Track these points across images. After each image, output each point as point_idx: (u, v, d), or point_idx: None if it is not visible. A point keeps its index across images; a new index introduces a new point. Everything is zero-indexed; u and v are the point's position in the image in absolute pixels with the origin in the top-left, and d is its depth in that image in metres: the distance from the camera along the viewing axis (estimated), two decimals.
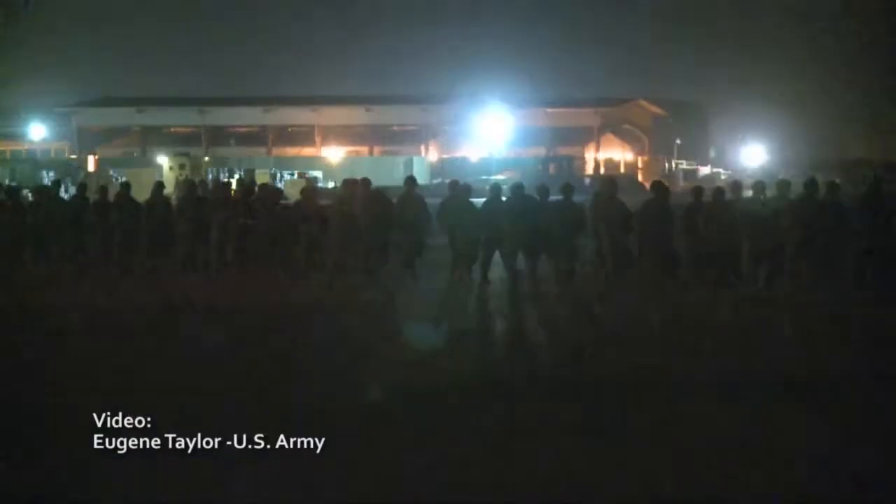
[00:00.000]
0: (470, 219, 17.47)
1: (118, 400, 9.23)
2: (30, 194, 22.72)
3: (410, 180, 18.92)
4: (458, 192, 18.09)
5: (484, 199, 18.01)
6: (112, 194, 20.58)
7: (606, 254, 16.65)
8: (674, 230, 16.54)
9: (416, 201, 18.29)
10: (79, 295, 16.78)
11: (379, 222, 17.91)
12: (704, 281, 15.98)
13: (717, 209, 16.42)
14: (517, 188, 17.86)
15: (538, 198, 17.56)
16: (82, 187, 20.96)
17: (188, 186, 21.94)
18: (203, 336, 13.03)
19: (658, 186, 17.52)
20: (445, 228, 17.74)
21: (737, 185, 17.58)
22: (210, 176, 61.54)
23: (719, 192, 17.03)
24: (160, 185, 21.01)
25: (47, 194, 20.63)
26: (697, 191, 17.19)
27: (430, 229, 18.24)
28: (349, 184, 19.04)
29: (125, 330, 13.53)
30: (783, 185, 17.17)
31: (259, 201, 19.08)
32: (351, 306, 15.46)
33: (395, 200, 18.75)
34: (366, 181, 18.84)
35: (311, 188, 19.74)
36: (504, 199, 17.82)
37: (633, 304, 15.24)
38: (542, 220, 17.02)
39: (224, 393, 9.63)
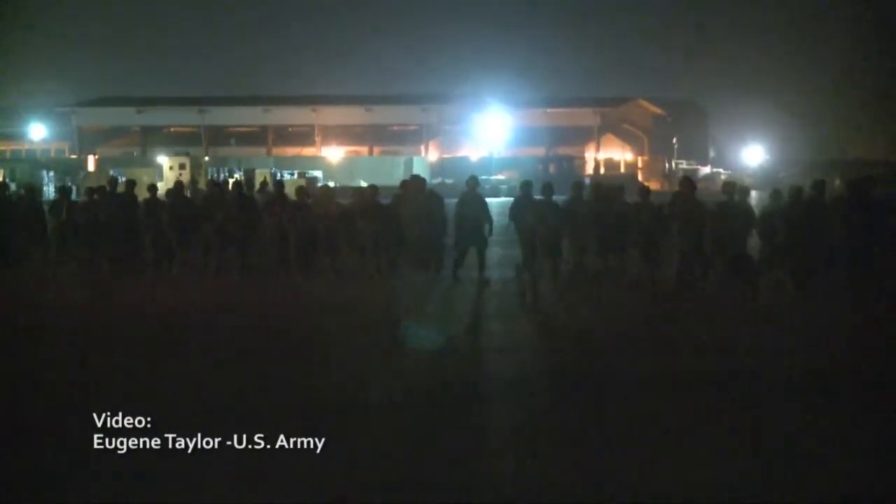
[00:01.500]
0: (553, 218, 17.63)
1: (119, 400, 9.25)
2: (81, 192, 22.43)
3: (473, 180, 18.80)
4: (541, 190, 18.26)
5: (566, 198, 18.28)
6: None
7: (687, 254, 16.84)
8: (749, 231, 16.70)
9: (479, 200, 18.27)
10: (120, 294, 16.85)
11: (439, 221, 18.33)
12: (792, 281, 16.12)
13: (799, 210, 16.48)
14: (597, 188, 18.05)
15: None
16: (131, 184, 20.76)
17: (219, 187, 21.42)
18: (225, 335, 13.03)
19: (735, 188, 17.34)
20: (516, 226, 17.93)
21: (819, 185, 16.94)
22: (217, 175, 61.57)
23: (798, 191, 16.94)
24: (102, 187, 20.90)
25: (101, 193, 20.25)
26: (776, 194, 17.12)
27: (491, 229, 18.21)
28: (409, 184, 18.97)
29: (136, 330, 13.53)
30: (795, 191, 17.24)
31: (317, 202, 18.96)
32: (408, 305, 15.52)
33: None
34: (418, 179, 18.90)
35: (372, 189, 19.37)
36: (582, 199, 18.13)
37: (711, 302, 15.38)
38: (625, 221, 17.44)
39: (224, 393, 9.63)
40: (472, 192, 18.39)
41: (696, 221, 16.76)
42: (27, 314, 14.99)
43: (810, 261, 16.10)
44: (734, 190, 17.12)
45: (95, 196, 20.06)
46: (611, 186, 18.70)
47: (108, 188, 20.36)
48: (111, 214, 19.41)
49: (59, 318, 14.60)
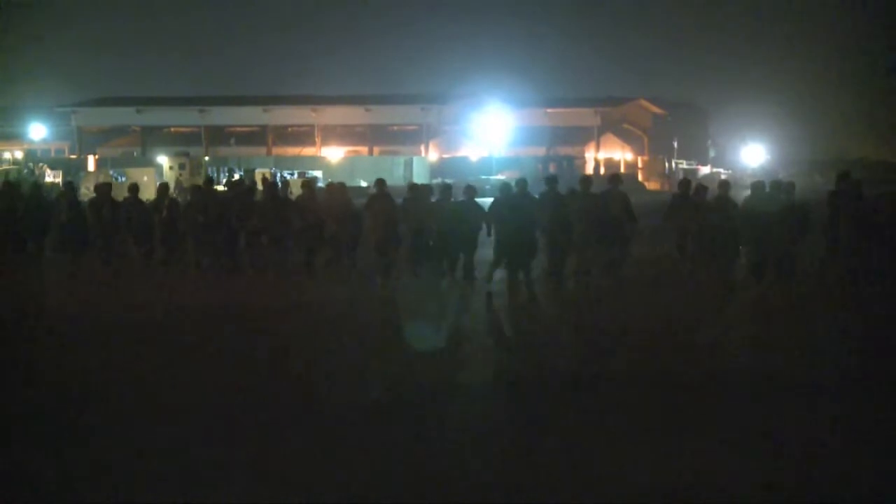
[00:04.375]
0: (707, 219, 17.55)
1: (120, 398, 9.27)
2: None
3: (587, 181, 18.33)
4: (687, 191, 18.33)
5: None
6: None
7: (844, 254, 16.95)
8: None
9: (623, 199, 17.90)
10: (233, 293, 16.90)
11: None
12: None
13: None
14: (758, 186, 17.91)
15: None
16: (239, 182, 20.81)
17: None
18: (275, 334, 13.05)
19: (853, 181, 17.31)
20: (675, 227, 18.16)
21: None
22: (217, 175, 61.51)
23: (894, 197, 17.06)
24: (165, 186, 21.31)
25: (203, 190, 20.15)
26: (857, 183, 17.15)
27: (634, 229, 18.09)
28: (591, 182, 18.41)
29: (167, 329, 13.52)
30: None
31: (413, 202, 18.37)
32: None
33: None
34: (587, 180, 18.43)
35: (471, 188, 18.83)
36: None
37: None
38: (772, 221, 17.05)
39: (224, 392, 9.63)
40: (586, 190, 17.93)
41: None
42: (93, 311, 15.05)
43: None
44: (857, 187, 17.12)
45: (200, 195, 19.90)
46: (759, 182, 18.47)
47: (204, 186, 20.27)
48: (212, 214, 19.14)
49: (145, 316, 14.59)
